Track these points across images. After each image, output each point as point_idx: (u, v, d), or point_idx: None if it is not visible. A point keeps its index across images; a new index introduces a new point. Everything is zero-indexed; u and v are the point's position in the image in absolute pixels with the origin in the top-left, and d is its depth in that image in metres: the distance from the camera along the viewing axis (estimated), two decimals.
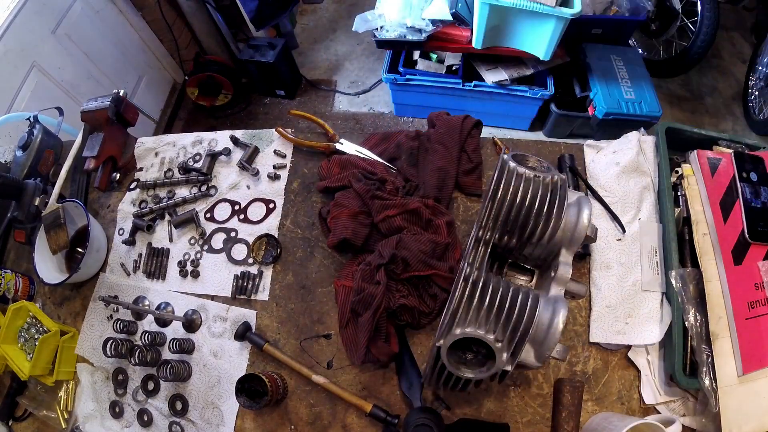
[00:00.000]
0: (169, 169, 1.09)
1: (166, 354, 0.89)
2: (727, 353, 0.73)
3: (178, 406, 0.87)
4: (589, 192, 0.92)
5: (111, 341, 0.86)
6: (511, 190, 0.66)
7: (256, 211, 1.00)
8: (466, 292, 0.61)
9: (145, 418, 0.87)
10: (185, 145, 1.11)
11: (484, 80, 1.97)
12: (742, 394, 0.72)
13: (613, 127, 1.87)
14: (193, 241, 0.99)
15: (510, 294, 0.60)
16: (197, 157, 1.08)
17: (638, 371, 0.79)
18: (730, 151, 0.88)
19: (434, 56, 2.13)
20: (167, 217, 1.02)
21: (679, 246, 0.82)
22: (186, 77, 2.32)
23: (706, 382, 0.72)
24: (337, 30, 2.79)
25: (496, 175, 0.68)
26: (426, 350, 0.84)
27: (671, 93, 2.36)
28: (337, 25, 2.81)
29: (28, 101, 1.56)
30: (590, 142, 0.99)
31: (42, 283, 0.96)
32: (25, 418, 0.94)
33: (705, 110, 2.32)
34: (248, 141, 1.07)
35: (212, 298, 0.94)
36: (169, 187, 1.06)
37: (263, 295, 0.92)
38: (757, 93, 2.14)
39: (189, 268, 0.97)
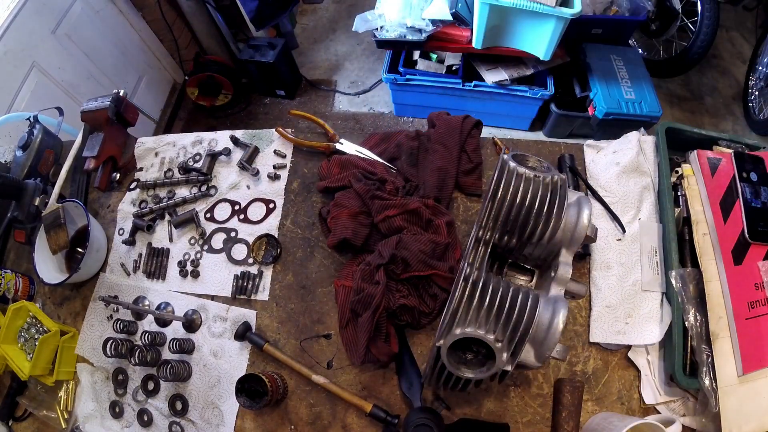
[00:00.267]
0: (169, 169, 1.09)
1: (166, 354, 0.89)
2: (727, 353, 0.73)
3: (178, 406, 0.87)
4: (589, 192, 0.92)
5: (111, 341, 0.86)
6: (511, 190, 0.66)
7: (256, 211, 1.00)
8: (466, 292, 0.61)
9: (145, 418, 0.88)
10: (185, 145, 1.11)
11: (484, 80, 1.97)
12: (742, 394, 0.72)
13: (613, 127, 1.87)
14: (193, 241, 0.99)
15: (510, 294, 0.60)
16: (197, 157, 1.08)
17: (638, 371, 0.79)
18: (730, 151, 0.88)
19: (434, 56, 2.13)
20: (167, 217, 1.02)
21: (679, 246, 0.82)
22: (186, 77, 2.32)
23: (706, 382, 0.72)
24: (337, 30, 2.79)
25: (496, 175, 0.68)
26: (426, 350, 0.84)
27: (671, 93, 2.36)
28: (337, 25, 2.81)
29: (28, 101, 1.56)
30: (590, 142, 0.99)
31: (42, 283, 0.96)
32: (25, 418, 0.95)
33: (705, 110, 2.31)
34: (248, 141, 1.07)
35: (212, 298, 0.94)
36: (169, 187, 1.06)
37: (263, 295, 0.92)
38: (757, 93, 2.14)
39: (189, 268, 0.97)
